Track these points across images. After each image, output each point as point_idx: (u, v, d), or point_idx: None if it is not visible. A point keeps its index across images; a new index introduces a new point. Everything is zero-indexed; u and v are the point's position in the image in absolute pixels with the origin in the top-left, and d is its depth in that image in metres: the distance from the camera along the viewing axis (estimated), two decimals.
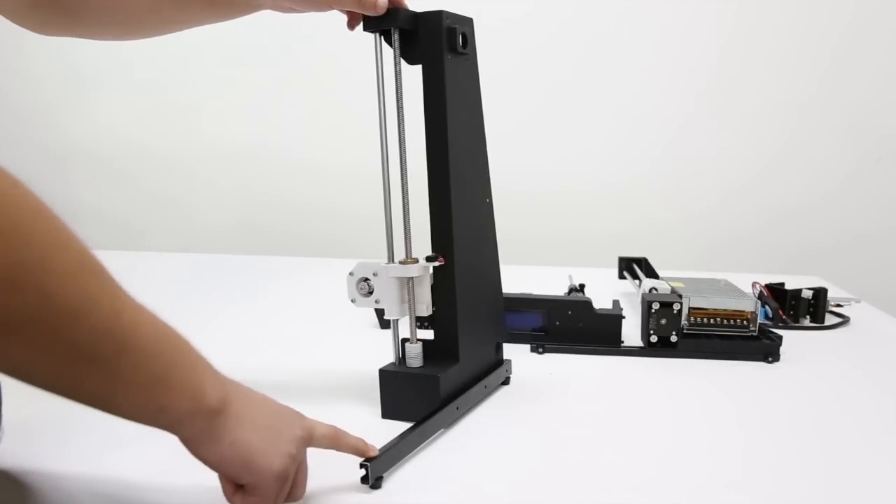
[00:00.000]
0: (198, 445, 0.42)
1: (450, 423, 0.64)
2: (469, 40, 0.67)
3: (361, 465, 0.52)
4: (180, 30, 0.72)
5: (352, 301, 0.67)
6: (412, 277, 0.65)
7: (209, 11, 0.69)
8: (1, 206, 0.31)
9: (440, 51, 0.63)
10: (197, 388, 0.40)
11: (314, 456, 0.50)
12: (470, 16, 0.67)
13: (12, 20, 0.70)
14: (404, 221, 0.66)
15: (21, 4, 0.68)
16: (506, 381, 0.75)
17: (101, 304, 0.35)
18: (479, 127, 0.71)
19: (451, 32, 0.64)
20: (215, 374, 0.43)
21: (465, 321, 0.67)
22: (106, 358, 0.35)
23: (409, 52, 0.65)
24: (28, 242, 0.32)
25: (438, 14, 0.63)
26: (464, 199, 0.67)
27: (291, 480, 0.47)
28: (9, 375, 0.34)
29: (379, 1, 0.62)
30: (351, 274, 0.66)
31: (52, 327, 0.33)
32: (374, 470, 0.52)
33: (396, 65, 0.64)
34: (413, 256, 0.65)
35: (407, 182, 0.65)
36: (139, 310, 0.38)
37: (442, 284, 0.66)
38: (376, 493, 0.52)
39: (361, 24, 0.64)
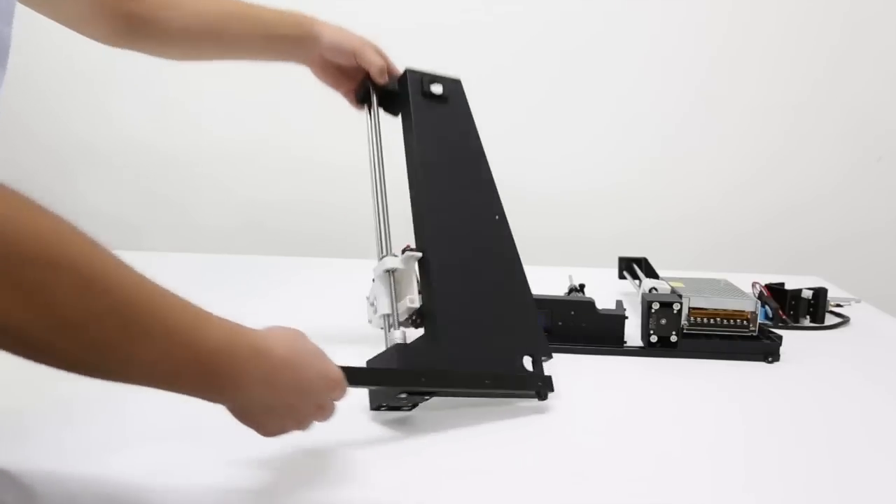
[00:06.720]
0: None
1: (416, 396, 0.63)
2: (450, 92, 0.81)
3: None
4: (234, 60, 0.90)
5: (368, 322, 0.73)
6: (393, 270, 0.69)
7: (260, 55, 0.88)
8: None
9: (408, 101, 0.78)
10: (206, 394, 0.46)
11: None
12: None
13: (72, 28, 0.75)
14: (380, 220, 0.72)
15: (82, 13, 0.74)
16: (539, 396, 0.69)
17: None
18: (471, 158, 0.79)
19: (418, 82, 0.79)
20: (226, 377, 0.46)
21: (456, 315, 0.68)
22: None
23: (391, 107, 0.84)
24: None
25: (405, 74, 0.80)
26: (445, 212, 0.74)
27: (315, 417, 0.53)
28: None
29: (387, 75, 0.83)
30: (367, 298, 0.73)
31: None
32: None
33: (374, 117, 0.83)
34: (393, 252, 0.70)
35: (384, 184, 0.76)
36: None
37: (425, 279, 0.69)
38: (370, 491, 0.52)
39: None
